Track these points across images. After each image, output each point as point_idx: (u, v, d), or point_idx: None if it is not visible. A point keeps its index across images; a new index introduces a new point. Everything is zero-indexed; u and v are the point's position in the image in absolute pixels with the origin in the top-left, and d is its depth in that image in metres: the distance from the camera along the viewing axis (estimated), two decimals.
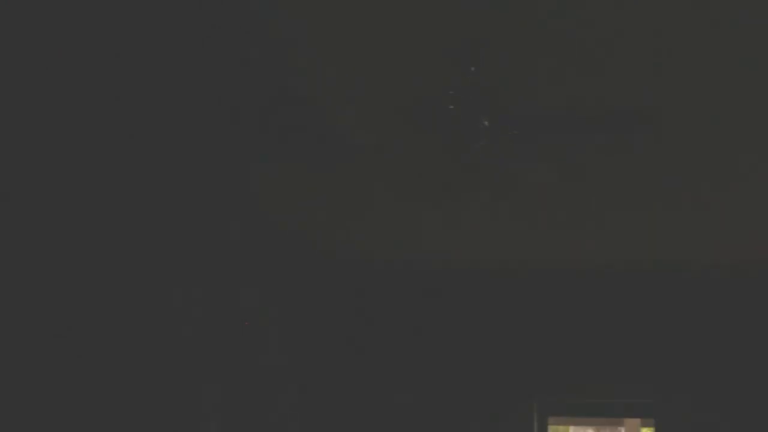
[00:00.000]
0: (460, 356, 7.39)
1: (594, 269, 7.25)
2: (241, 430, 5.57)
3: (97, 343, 3.95)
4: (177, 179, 4.98)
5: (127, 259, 4.36)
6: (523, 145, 4.59)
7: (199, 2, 3.35)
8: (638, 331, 7.30)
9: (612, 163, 4.98)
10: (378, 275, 7.50)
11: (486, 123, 4.12)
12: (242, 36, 3.59)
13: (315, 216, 6.10)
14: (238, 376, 5.67)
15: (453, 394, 7.33)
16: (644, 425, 10.47)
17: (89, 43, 3.59)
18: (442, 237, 6.56)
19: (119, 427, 4.12)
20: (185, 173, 5.05)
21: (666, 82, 3.93)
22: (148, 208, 4.63)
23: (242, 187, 5.54)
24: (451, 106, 4.02)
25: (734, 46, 3.55)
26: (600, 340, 7.35)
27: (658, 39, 3.54)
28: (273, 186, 5.51)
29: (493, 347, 7.40)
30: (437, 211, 5.92)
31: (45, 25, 3.38)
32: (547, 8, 3.36)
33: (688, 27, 3.43)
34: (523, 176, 5.15)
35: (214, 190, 5.40)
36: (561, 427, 16.33)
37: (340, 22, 3.50)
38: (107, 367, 4.00)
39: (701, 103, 4.14)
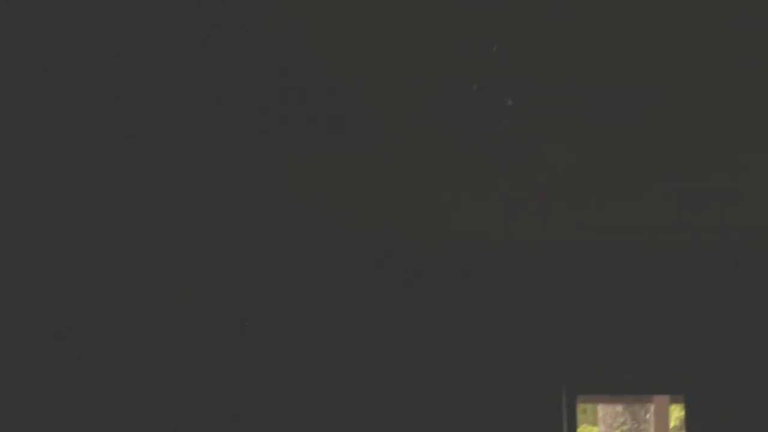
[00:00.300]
0: (487, 336, 7.39)
1: (622, 247, 7.24)
2: (271, 414, 5.60)
3: (114, 336, 3.98)
4: (204, 169, 5.00)
5: (155, 250, 4.38)
6: (544, 124, 4.59)
7: None
8: (667, 308, 7.28)
9: (638, 141, 4.98)
10: (402, 256, 7.51)
11: (509, 102, 4.13)
12: (259, 17, 3.60)
13: (335, 199, 6.12)
14: (266, 359, 5.70)
15: (480, 374, 7.34)
16: (673, 402, 10.46)
17: (104, 39, 3.61)
18: (467, 217, 6.56)
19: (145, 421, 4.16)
20: (213, 163, 5.07)
21: (687, 57, 3.92)
22: (176, 198, 4.65)
23: (268, 174, 5.57)
24: (474, 86, 4.03)
25: (758, 17, 3.53)
26: (628, 318, 7.33)
27: (679, 12, 3.52)
28: (295, 170, 5.54)
29: (521, 327, 7.40)
30: (461, 191, 5.93)
31: (73, 20, 3.40)
32: None
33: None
34: (547, 155, 5.15)
35: (240, 179, 5.42)
36: (590, 406, 16.33)
37: (358, 2, 3.51)
38: (120, 361, 4.03)
39: (723, 78, 4.12)
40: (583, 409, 17.01)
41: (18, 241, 3.16)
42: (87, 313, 3.64)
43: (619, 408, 14.48)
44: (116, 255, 3.97)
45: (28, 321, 3.17)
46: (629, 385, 8.06)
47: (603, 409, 14.91)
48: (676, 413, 14.70)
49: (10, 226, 3.16)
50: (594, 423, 16.50)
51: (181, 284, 4.65)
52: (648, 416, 13.85)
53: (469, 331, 7.36)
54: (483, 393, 7.30)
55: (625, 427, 14.60)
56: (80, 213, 3.67)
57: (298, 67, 4.09)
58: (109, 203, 4.01)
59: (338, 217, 6.57)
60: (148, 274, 4.28)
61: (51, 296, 3.34)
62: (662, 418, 10.88)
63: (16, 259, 3.14)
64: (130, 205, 4.19)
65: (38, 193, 3.34)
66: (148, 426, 4.16)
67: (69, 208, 3.57)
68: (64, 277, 3.46)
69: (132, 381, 4.01)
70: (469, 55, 3.85)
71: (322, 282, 6.66)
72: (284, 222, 6.13)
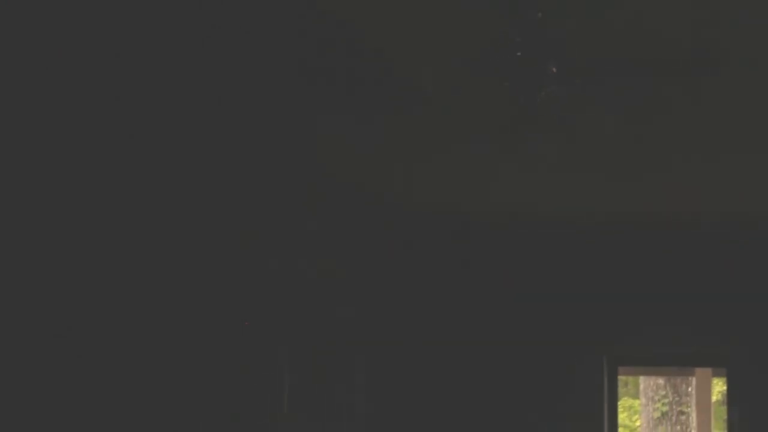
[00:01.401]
0: (528, 307, 7.39)
1: (665, 218, 7.19)
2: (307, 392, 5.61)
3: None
4: (244, 139, 5.02)
5: (193, 224, 4.39)
6: (590, 92, 4.56)
7: None
8: (710, 280, 7.24)
9: (682, 111, 4.94)
10: (440, 228, 7.51)
11: (553, 69, 4.11)
12: None
13: (370, 170, 6.12)
14: (311, 333, 5.71)
15: (521, 346, 7.34)
16: (716, 375, 10.41)
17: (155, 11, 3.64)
18: (507, 188, 6.54)
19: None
20: (254, 133, 5.09)
21: (732, 25, 3.87)
22: (211, 170, 4.66)
23: (304, 145, 5.58)
24: (518, 53, 4.02)
25: None
26: (671, 289, 7.30)
27: None
28: (330, 141, 5.55)
29: (562, 298, 7.39)
30: (501, 161, 5.91)
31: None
32: None
33: None
34: (590, 124, 5.13)
35: (275, 152, 5.44)
36: (631, 379, 16.30)
37: None
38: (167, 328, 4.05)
39: None
40: (624, 382, 16.98)
41: (21, 239, 3.15)
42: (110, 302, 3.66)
43: (661, 381, 14.42)
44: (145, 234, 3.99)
45: (45, 308, 3.18)
46: (671, 358, 8.03)
47: (644, 382, 14.87)
48: (719, 387, 14.64)
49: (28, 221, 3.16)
50: (635, 396, 16.48)
51: (215, 263, 4.67)
52: (690, 390, 13.81)
53: (509, 302, 7.36)
54: (523, 365, 7.30)
55: (666, 401, 14.55)
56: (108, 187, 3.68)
57: (335, 35, 4.10)
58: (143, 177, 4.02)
59: (374, 188, 6.57)
60: (180, 253, 4.29)
61: (65, 284, 3.35)
62: (704, 391, 10.83)
63: (19, 257, 3.12)
64: (167, 172, 4.21)
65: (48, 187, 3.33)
66: (186, 414, 4.18)
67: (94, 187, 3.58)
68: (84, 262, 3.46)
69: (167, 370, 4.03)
70: (513, 23, 3.84)
71: (357, 254, 6.67)
72: (319, 194, 6.14)
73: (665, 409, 14.57)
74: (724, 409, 13.42)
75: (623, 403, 16.52)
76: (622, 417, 16.22)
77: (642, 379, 14.77)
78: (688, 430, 14.34)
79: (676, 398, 14.46)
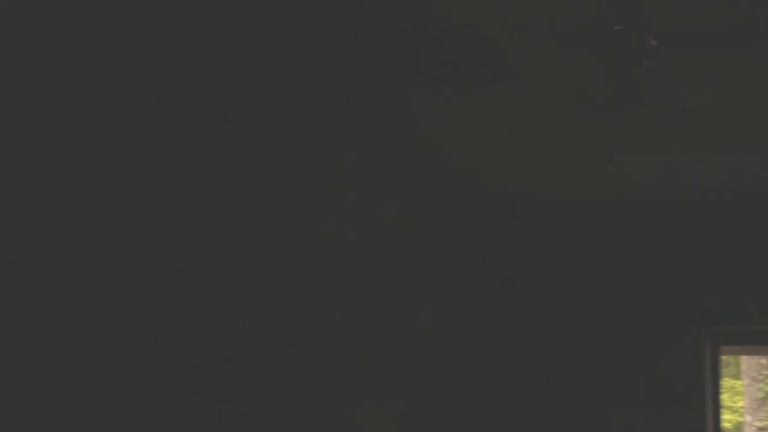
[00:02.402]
0: (629, 286, 7.31)
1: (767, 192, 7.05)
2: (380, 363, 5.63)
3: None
4: (338, 119, 5.05)
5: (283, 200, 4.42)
6: (687, 65, 4.48)
7: None
8: None
9: None
10: (538, 205, 7.48)
11: (653, 43, 4.05)
12: None
13: (468, 147, 6.11)
14: (396, 311, 5.74)
15: (621, 325, 7.27)
16: None
17: None
18: (606, 164, 6.49)
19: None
20: (345, 115, 5.12)
21: None
22: (306, 149, 4.68)
23: (404, 123, 5.60)
24: (616, 27, 3.97)
25: None
26: None
27: None
28: (429, 119, 5.55)
29: (662, 274, 7.29)
30: (598, 138, 5.86)
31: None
32: None
33: None
34: (687, 98, 5.05)
35: (374, 129, 5.47)
36: (732, 359, 16.00)
37: None
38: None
39: None
40: (725, 362, 16.68)
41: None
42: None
43: (763, 361, 14.17)
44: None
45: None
46: None
47: (746, 362, 14.62)
48: None
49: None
50: (737, 377, 16.18)
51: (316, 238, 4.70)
52: None
53: (609, 280, 7.30)
54: (623, 345, 7.23)
55: None
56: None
57: (431, 11, 4.10)
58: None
59: (471, 165, 6.57)
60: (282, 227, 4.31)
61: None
62: None
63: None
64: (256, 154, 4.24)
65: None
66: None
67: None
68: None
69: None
70: None
71: (453, 232, 6.68)
72: (417, 171, 6.16)
73: None
74: None
75: (725, 383, 16.23)
76: (723, 398, 15.93)
77: (744, 359, 14.52)
78: None
79: None
